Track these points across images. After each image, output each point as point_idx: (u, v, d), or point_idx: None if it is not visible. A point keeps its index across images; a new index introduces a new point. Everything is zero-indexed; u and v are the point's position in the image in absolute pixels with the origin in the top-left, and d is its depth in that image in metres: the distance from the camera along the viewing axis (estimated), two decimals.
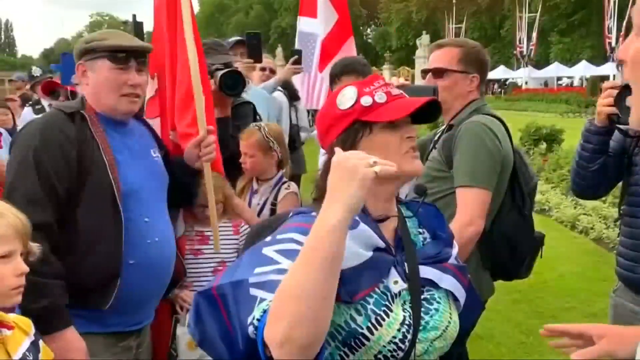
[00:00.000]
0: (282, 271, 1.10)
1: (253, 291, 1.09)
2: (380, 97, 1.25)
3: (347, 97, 1.26)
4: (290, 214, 1.30)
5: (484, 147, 2.06)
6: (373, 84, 1.28)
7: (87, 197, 1.81)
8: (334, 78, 2.60)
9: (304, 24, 4.36)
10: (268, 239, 1.21)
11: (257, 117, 3.21)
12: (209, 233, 2.41)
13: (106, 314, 1.84)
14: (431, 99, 1.26)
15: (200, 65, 2.21)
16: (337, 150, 1.14)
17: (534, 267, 5.71)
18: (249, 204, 2.70)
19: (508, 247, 2.14)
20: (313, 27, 4.26)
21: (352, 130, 1.26)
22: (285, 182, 2.69)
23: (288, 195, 2.62)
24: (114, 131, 1.92)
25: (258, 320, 1.04)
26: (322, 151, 2.41)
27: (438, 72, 2.21)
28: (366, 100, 1.24)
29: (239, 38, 3.77)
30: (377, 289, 1.19)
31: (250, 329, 1.05)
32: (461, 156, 2.07)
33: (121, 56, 1.89)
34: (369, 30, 73.61)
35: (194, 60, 2.12)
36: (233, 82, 2.54)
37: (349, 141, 1.25)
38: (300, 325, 0.97)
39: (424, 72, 2.28)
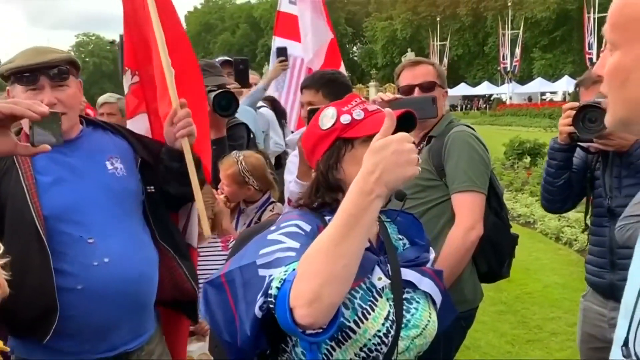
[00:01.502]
0: (288, 249, 1.17)
1: (262, 272, 1.15)
2: (358, 114, 1.33)
3: (327, 117, 1.35)
4: (281, 216, 1.39)
5: (476, 153, 2.17)
6: (350, 103, 1.36)
7: (8, 228, 1.70)
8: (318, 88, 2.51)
9: (278, 43, 4.45)
10: (272, 228, 1.29)
11: (252, 135, 3.27)
12: (200, 249, 2.42)
13: (60, 344, 1.73)
14: (406, 110, 1.33)
15: (180, 45, 2.10)
16: (401, 136, 1.13)
17: (520, 279, 5.77)
18: (237, 224, 2.75)
19: (492, 249, 2.21)
20: (288, 48, 4.37)
21: (336, 148, 1.33)
22: (271, 204, 2.73)
23: (272, 217, 2.67)
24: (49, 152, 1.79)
25: (278, 288, 1.08)
26: (289, 170, 2.44)
27: (429, 87, 2.29)
28: (345, 118, 1.32)
29: (226, 58, 3.84)
30: (362, 284, 1.26)
31: (260, 302, 1.10)
32: (457, 163, 2.14)
33: (29, 77, 1.76)
34: (354, 48, 74.45)
35: (159, 35, 2.00)
36: (226, 103, 2.58)
37: (334, 158, 1.33)
38: (332, 283, 1.04)
39: (407, 88, 2.31)
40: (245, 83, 3.52)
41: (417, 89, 2.29)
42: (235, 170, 2.64)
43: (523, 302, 5.07)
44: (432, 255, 1.46)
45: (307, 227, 1.25)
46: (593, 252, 2.30)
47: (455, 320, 1.58)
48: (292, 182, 2.32)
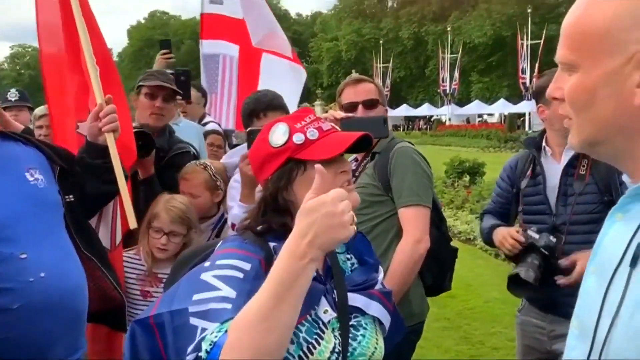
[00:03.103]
0: (224, 299, 1.10)
1: (193, 321, 1.09)
2: (312, 133, 1.26)
3: (278, 134, 1.26)
4: (220, 242, 1.31)
5: (421, 168, 2.22)
6: (304, 119, 1.28)
7: None
8: (259, 113, 2.39)
9: (206, 46, 4.43)
10: (207, 264, 1.21)
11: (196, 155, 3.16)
12: (162, 275, 2.32)
13: None
14: (364, 134, 1.29)
15: (98, 40, 2.21)
16: (333, 192, 1.10)
17: (462, 295, 5.89)
18: None
19: (435, 262, 2.25)
20: (216, 48, 4.36)
21: (287, 169, 1.26)
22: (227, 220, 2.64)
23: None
24: None
25: (207, 352, 1.02)
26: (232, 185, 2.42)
27: (372, 104, 2.31)
28: (298, 138, 1.24)
29: (168, 71, 3.76)
30: (308, 317, 1.21)
31: (191, 358, 1.04)
32: (403, 178, 2.18)
33: None
34: None
35: (83, 32, 2.10)
36: (143, 144, 2.47)
37: (284, 179, 1.26)
38: (266, 356, 0.99)
39: (350, 105, 2.33)
40: (187, 95, 3.43)
41: (360, 106, 2.31)
42: (207, 176, 2.55)
43: (465, 318, 5.18)
44: (380, 275, 1.43)
45: (247, 266, 1.16)
46: None
47: (406, 335, 1.57)
48: (235, 206, 2.27)
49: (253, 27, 4.26)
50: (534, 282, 2.13)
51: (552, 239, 2.19)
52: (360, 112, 2.30)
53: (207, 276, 1.16)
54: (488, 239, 2.48)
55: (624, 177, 0.90)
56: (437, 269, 2.29)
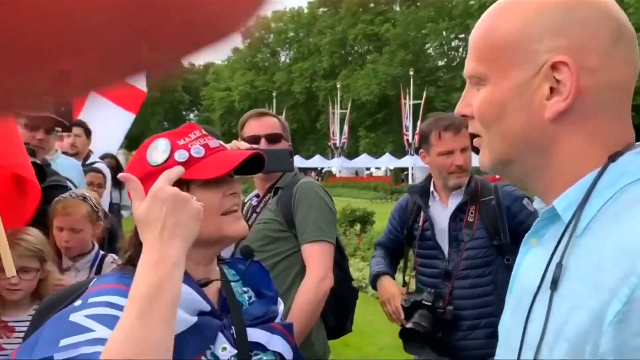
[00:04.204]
0: (97, 341, 0.93)
1: None
2: (197, 151, 1.13)
3: (159, 151, 1.13)
4: (94, 280, 1.13)
5: (325, 204, 2.17)
6: (189, 136, 1.16)
7: None
8: None
9: None
10: (77, 303, 1.02)
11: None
12: (14, 324, 1.99)
13: None
14: (255, 152, 1.20)
15: None
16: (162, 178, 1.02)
17: (357, 343, 5.85)
18: None
19: (337, 302, 2.18)
20: None
21: None
22: (107, 255, 2.41)
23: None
24: None
25: None
26: None
27: (275, 138, 2.24)
28: (181, 155, 1.12)
29: None
30: (204, 357, 1.07)
31: None
32: (306, 213, 2.11)
33: None
34: (192, 115, 74.18)
35: None
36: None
37: None
38: None
39: (252, 138, 2.24)
40: (67, 127, 3.15)
41: (263, 140, 2.23)
42: (89, 208, 2.32)
43: None
44: (281, 307, 1.32)
45: (125, 302, 1.01)
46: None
47: None
48: None
49: None
50: (422, 329, 2.14)
51: (431, 290, 2.24)
52: (263, 145, 2.22)
53: (77, 317, 0.97)
54: (373, 285, 2.51)
55: (536, 203, 0.87)
56: (339, 309, 2.21)
